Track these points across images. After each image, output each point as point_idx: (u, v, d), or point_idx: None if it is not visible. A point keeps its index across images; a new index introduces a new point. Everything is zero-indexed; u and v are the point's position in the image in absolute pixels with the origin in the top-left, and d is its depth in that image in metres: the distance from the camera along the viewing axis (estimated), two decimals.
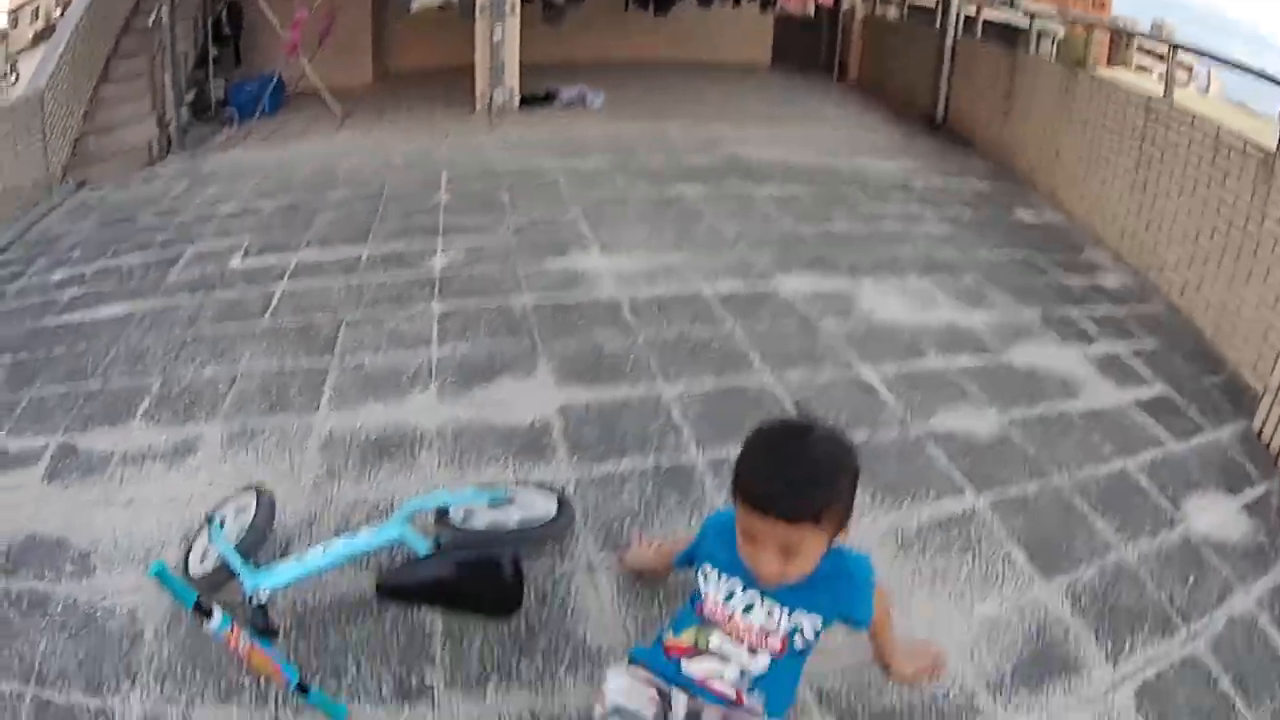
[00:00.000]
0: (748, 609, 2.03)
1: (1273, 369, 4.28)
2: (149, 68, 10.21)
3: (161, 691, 2.46)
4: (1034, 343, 4.84)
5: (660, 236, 5.99)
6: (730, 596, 2.05)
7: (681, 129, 9.65)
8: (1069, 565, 3.09)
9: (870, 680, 2.48)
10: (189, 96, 10.41)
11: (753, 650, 2.02)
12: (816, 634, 2.05)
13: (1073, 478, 3.60)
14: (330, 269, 5.47)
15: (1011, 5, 11.68)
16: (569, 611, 2.70)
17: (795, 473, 1.89)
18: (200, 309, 5.04)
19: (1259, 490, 3.79)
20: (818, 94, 13.08)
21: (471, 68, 11.15)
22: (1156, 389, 4.52)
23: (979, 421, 3.94)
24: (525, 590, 2.51)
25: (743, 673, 2.01)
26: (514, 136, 9.26)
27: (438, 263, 5.46)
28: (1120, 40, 10.87)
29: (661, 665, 2.03)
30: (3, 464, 3.71)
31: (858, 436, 3.65)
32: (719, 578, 2.09)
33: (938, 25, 11.30)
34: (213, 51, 11.63)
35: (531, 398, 3.90)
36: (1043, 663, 2.66)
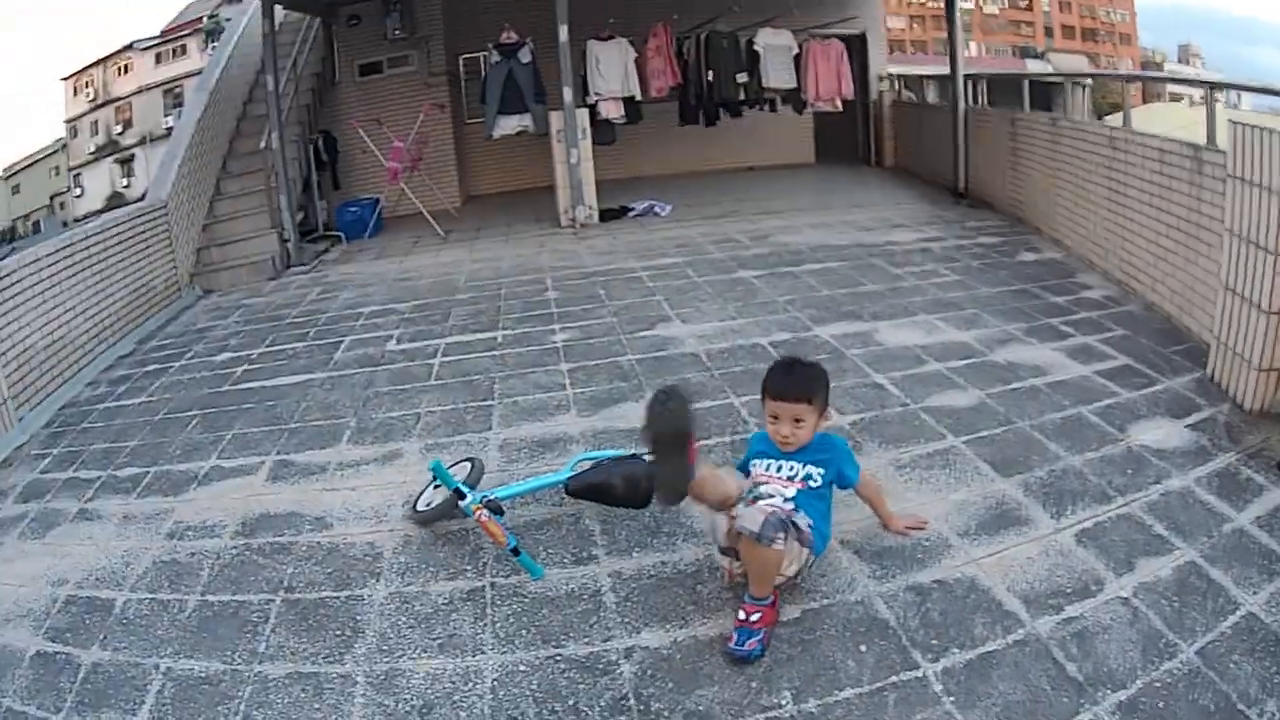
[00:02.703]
0: (779, 469, 3.59)
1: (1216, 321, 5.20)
2: (265, 186, 11.52)
3: (402, 579, 3.89)
4: (1016, 345, 6.07)
5: (726, 309, 7.39)
6: (768, 467, 3.60)
7: (738, 227, 11.00)
8: (1024, 470, 4.35)
9: (875, 532, 3.87)
10: (298, 217, 11.64)
11: (784, 488, 3.53)
12: (824, 480, 3.56)
13: (1033, 422, 4.84)
14: (475, 347, 6.95)
15: (1040, 57, 12.46)
16: (679, 514, 4.15)
17: (794, 374, 3.63)
18: (373, 377, 6.52)
19: (1205, 414, 4.77)
20: (856, 182, 14.29)
21: (546, 188, 12.60)
22: (1119, 361, 5.65)
23: (962, 397, 5.24)
24: (653, 498, 3.97)
25: (784, 499, 3.50)
26: (599, 245, 10.66)
27: (559, 338, 6.93)
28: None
29: None
30: (221, 475, 5.15)
31: (870, 413, 5.10)
32: (761, 460, 3.67)
33: (949, 99, 12.38)
34: (314, 177, 13.09)
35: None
36: (1000, 521, 3.92)
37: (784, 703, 2.99)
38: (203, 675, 3.41)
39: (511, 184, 15.78)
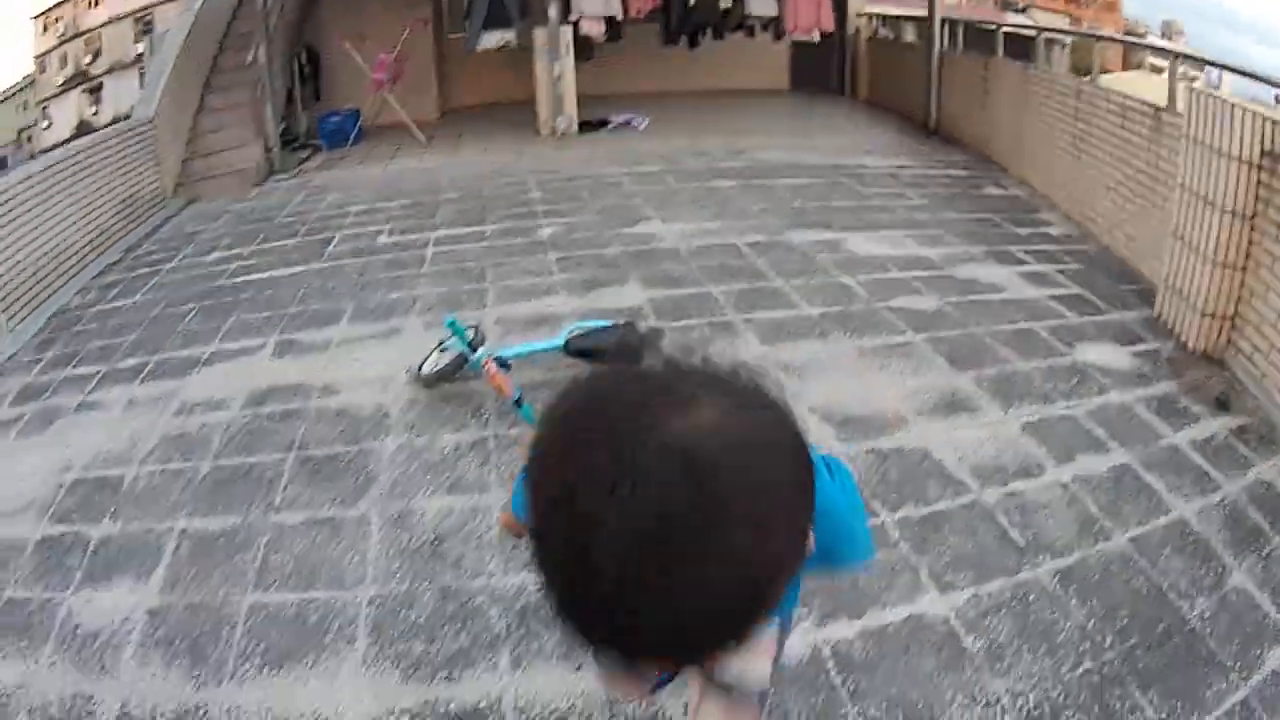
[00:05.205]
0: None
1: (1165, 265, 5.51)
2: (250, 99, 11.47)
3: (411, 434, 4.20)
4: (976, 265, 6.41)
5: (703, 212, 7.67)
6: None
7: (715, 142, 11.18)
8: (976, 367, 4.72)
9: (842, 400, 4.23)
10: (280, 127, 11.68)
11: None
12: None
13: (987, 330, 5.20)
14: (464, 239, 7.17)
15: (1021, 12, 12.39)
16: None
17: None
18: (367, 265, 6.72)
19: (1149, 347, 5.12)
20: (829, 110, 14.48)
21: (524, 101, 12.68)
22: (1072, 290, 5.98)
23: (923, 302, 5.59)
24: (642, 361, 4.27)
25: None
26: (579, 153, 10.85)
27: (545, 232, 7.19)
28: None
29: None
30: (225, 357, 5.33)
31: (837, 307, 5.41)
32: None
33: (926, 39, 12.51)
34: (297, 90, 13.11)
35: (628, 295, 5.67)
36: (953, 406, 4.31)
37: None
38: (219, 531, 3.63)
39: (490, 97, 15.63)
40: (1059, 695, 2.72)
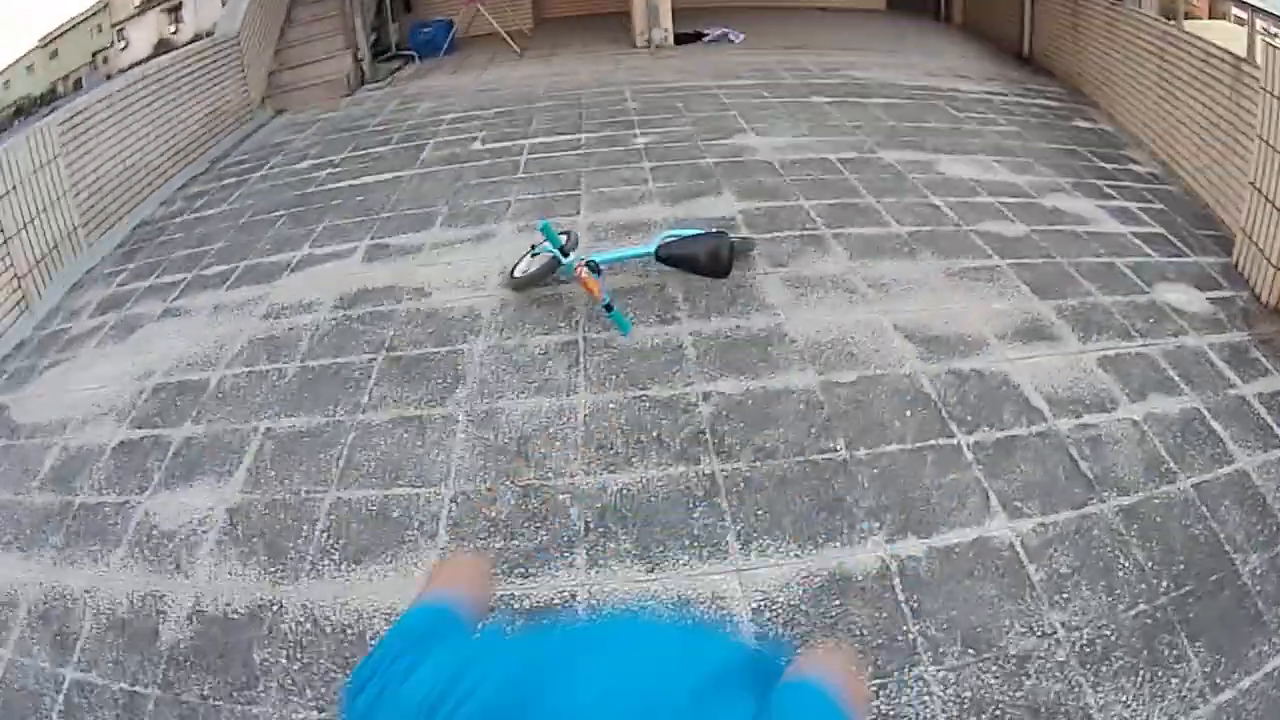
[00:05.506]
0: None
1: (1243, 215, 5.27)
2: (339, 11, 11.20)
3: (501, 335, 4.18)
4: (1063, 195, 6.14)
5: (797, 127, 7.43)
6: None
7: (810, 59, 10.78)
8: (1058, 296, 4.55)
9: (926, 320, 4.12)
10: (371, 38, 11.48)
11: None
12: None
13: (1070, 260, 4.99)
14: (559, 147, 7.04)
15: None
16: (752, 289, 4.42)
17: None
18: (461, 171, 6.61)
19: (1225, 294, 4.92)
20: (925, 34, 13.87)
21: (618, 13, 12.41)
22: (1155, 229, 5.73)
23: (1010, 228, 5.38)
24: (732, 270, 4.22)
25: None
26: (675, 65, 10.54)
27: (640, 142, 7.02)
28: None
29: None
30: (315, 261, 5.27)
31: (926, 228, 5.22)
32: None
33: None
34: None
35: (721, 205, 5.54)
36: (1034, 332, 4.17)
37: (839, 447, 3.30)
38: (304, 430, 3.65)
39: (584, 9, 15.22)
40: (1112, 634, 2.68)
